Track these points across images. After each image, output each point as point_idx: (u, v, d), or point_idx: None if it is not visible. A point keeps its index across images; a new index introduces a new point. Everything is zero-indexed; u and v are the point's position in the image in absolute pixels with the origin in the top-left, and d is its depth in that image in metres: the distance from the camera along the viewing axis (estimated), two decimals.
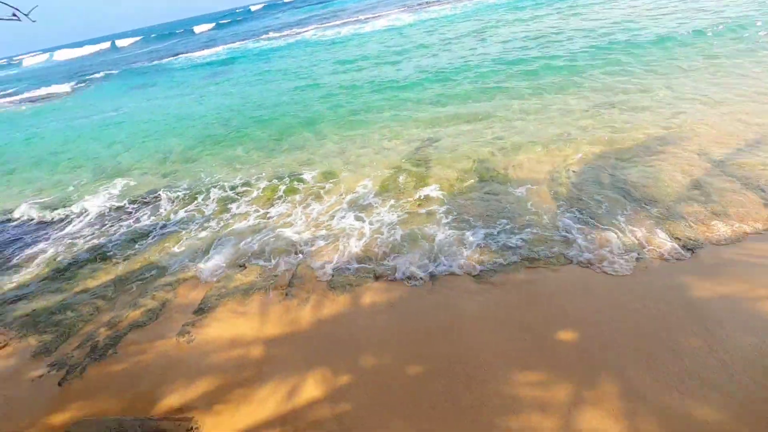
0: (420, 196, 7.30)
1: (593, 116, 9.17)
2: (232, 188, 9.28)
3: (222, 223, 7.80)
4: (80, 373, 4.73)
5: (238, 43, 42.04)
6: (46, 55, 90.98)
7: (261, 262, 6.26)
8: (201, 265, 6.45)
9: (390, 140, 10.31)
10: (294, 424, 3.60)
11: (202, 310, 5.43)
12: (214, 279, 6.06)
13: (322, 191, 8.35)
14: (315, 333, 4.70)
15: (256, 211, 8.06)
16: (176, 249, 7.19)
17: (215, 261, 6.50)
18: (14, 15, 7.44)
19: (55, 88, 34.48)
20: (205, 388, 4.21)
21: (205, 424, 3.78)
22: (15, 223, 9.90)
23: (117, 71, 38.92)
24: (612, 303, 4.34)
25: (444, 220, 6.38)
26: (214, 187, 9.51)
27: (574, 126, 8.85)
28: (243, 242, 6.94)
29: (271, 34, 42.12)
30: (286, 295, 5.42)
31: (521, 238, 5.62)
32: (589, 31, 17.01)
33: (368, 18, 38.11)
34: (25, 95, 34.53)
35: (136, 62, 44.81)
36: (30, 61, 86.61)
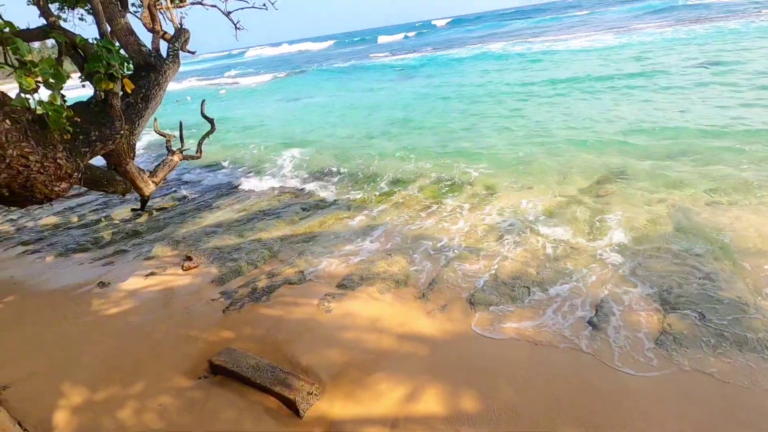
0: (593, 233, 6.33)
1: None
2: (398, 180, 9.63)
3: (380, 211, 8.13)
4: (239, 307, 5.43)
5: (425, 51, 44.22)
6: (256, 50, 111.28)
7: (407, 256, 6.26)
8: (350, 246, 6.79)
9: (566, 162, 9.32)
10: (405, 431, 3.40)
11: (344, 286, 5.68)
12: (360, 260, 6.30)
13: (483, 200, 8.00)
14: (444, 344, 4.43)
15: (414, 205, 8.18)
16: (335, 225, 7.76)
17: (364, 245, 6.78)
18: (264, 5, 9.01)
19: (264, 77, 41.75)
20: (330, 359, 4.34)
21: (324, 392, 3.87)
22: (224, 171, 12.20)
23: (315, 67, 45.06)
24: None
25: (624, 275, 5.33)
26: (383, 174, 10.04)
27: None
28: (395, 233, 7.08)
29: (457, 49, 42.97)
30: (423, 296, 5.28)
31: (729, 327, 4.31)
32: None
33: (566, 37, 35.71)
34: (256, 78, 42.72)
35: (331, 61, 51.09)
36: (249, 53, 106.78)
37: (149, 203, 9.48)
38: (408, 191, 8.97)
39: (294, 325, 4.98)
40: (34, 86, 2.01)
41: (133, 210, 9.59)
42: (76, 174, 2.77)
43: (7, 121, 1.88)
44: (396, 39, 72.74)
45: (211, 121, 7.73)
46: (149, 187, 5.55)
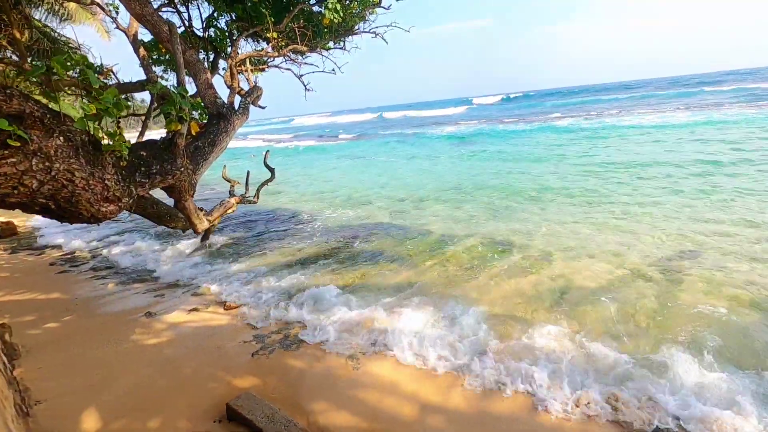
0: (661, 319, 5.58)
1: None
2: (447, 240, 9.40)
3: (425, 268, 7.90)
4: (269, 353, 5.32)
5: (483, 123, 45.18)
6: (302, 119, 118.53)
7: (446, 319, 5.89)
8: (389, 300, 6.56)
9: (629, 235, 8.58)
10: None
11: (377, 343, 5.40)
12: (398, 317, 6.02)
13: (534, 267, 7.49)
14: (476, 424, 3.94)
15: (461, 265, 7.87)
16: (377, 278, 7.61)
17: (404, 301, 6.51)
18: (333, 71, 9.77)
19: (323, 141, 44.44)
20: (350, 423, 4.02)
21: None
22: (281, 218, 12.72)
23: (378, 134, 47.44)
24: None
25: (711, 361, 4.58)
26: (433, 234, 9.90)
27: None
28: (438, 293, 6.77)
29: (517, 121, 43.43)
30: (462, 368, 4.83)
31: None
32: None
33: (637, 112, 34.81)
34: (314, 141, 45.76)
35: (389, 129, 53.68)
36: (299, 121, 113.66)
37: (209, 240, 10.02)
38: (456, 251, 8.68)
39: (318, 379, 4.75)
40: (94, 111, 2.24)
41: (196, 245, 10.18)
42: (126, 199, 2.96)
43: (61, 137, 2.08)
44: (458, 111, 75.37)
45: (271, 170, 8.23)
46: (203, 224, 5.86)
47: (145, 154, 3.82)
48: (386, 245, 9.46)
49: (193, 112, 4.42)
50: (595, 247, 8.19)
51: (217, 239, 10.63)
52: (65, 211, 2.31)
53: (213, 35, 8.48)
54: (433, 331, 5.56)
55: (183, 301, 7.09)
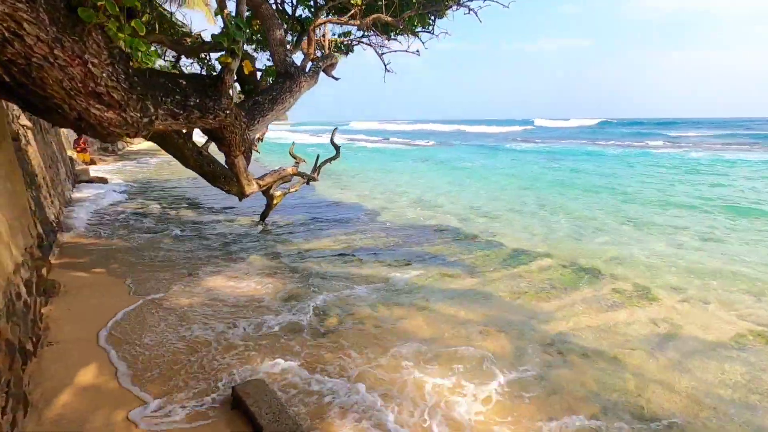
0: None
1: None
2: (521, 254, 8.20)
3: (492, 279, 6.83)
4: (298, 333, 4.66)
5: (573, 141, 41.92)
6: (359, 123, 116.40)
7: (511, 337, 4.82)
8: (445, 306, 5.61)
9: (759, 284, 6.72)
10: None
11: (428, 355, 4.49)
12: (454, 325, 5.07)
13: (629, 301, 6.08)
14: None
15: (535, 283, 6.68)
16: (437, 282, 6.70)
17: (465, 309, 5.53)
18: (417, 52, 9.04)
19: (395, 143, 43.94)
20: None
21: None
22: (344, 208, 12.25)
23: (452, 142, 45.95)
24: None
25: None
26: (505, 246, 8.75)
27: None
28: (504, 307, 5.69)
29: (606, 143, 39.69)
30: (542, 400, 3.77)
31: None
32: None
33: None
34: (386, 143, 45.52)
35: (470, 141, 51.84)
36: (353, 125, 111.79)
37: (268, 219, 9.78)
38: (528, 269, 7.45)
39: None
40: None
41: (253, 221, 10.03)
42: (136, 115, 2.44)
43: None
44: (558, 124, 70.75)
45: (337, 148, 7.69)
46: (251, 187, 5.41)
47: (184, 83, 3.34)
48: (450, 250, 8.47)
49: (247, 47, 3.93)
50: (711, 293, 6.49)
51: (276, 220, 10.39)
52: (31, 93, 1.80)
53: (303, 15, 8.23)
54: (494, 344, 4.52)
55: (228, 268, 6.76)
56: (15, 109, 6.65)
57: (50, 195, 7.89)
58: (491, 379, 4.02)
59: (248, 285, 6.14)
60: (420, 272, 7.05)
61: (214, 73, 3.58)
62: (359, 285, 6.34)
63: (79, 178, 13.79)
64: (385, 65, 8.75)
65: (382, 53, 8.57)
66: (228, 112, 3.84)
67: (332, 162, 7.54)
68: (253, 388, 3.55)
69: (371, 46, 8.62)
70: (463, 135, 66.93)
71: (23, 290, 3.84)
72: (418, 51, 8.64)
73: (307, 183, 9.19)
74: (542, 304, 5.98)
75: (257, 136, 9.24)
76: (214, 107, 3.63)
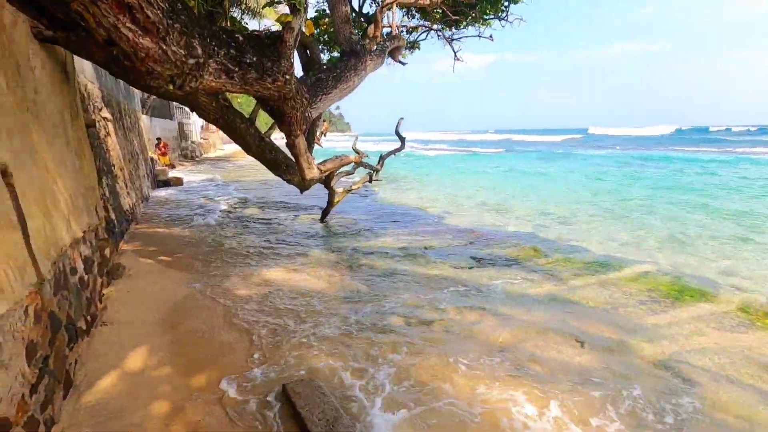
0: None
1: None
2: (610, 261, 7.13)
3: (575, 286, 5.90)
4: (356, 331, 4.16)
5: (669, 148, 38.12)
6: (416, 134, 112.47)
7: (601, 358, 3.94)
8: (518, 312, 4.82)
9: None
10: None
11: (498, 372, 3.77)
12: (528, 332, 4.28)
13: (752, 324, 4.88)
14: None
15: (630, 294, 5.65)
16: (508, 286, 5.91)
17: (540, 318, 4.71)
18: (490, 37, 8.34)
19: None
20: None
21: None
22: (407, 208, 11.71)
23: (516, 149, 43.63)
24: None
25: None
26: (590, 251, 7.71)
27: None
28: (591, 318, 4.78)
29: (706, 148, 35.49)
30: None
31: None
32: None
33: None
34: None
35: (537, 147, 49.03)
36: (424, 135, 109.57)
37: (328, 217, 9.52)
38: (621, 276, 6.37)
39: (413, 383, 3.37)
40: None
41: (315, 219, 9.83)
42: (177, 50, 2.08)
43: None
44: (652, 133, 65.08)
45: (402, 139, 7.20)
46: (312, 171, 5.05)
47: (241, 39, 3.00)
48: (524, 253, 7.57)
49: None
50: None
51: (337, 219, 10.10)
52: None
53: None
54: (578, 358, 3.68)
55: (290, 261, 6.49)
56: (97, 100, 6.97)
57: (127, 187, 8.21)
58: (599, 409, 3.19)
59: (307, 280, 5.79)
60: (491, 274, 6.29)
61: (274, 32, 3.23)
62: (424, 285, 5.73)
63: (158, 178, 14.65)
64: (455, 53, 8.17)
65: (452, 39, 8.00)
66: (288, 77, 3.47)
67: (396, 154, 7.06)
68: (305, 387, 3.07)
69: (439, 33, 8.09)
70: (526, 144, 64.07)
71: (80, 266, 3.72)
72: (491, 36, 7.96)
73: (370, 180, 8.81)
74: (645, 318, 4.96)
75: (321, 130, 9.05)
76: (273, 69, 3.27)
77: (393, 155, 7.04)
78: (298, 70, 6.21)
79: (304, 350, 3.79)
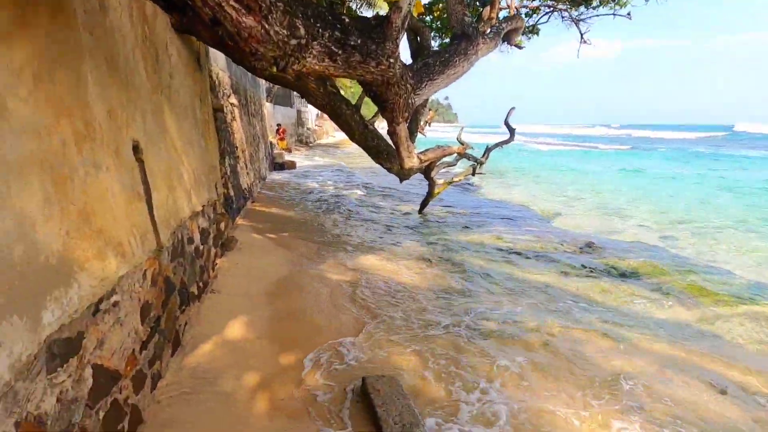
0: None
1: None
2: (754, 287, 5.79)
3: (718, 315, 4.88)
4: (454, 335, 3.94)
5: None
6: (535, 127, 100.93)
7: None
8: (641, 336, 4.08)
9: None
10: None
11: (619, 406, 3.22)
12: (659, 370, 3.59)
13: None
14: None
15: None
16: (628, 303, 5.12)
17: (667, 351, 3.92)
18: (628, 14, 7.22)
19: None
20: None
21: None
22: (511, 206, 10.98)
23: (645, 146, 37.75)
24: None
25: None
26: (724, 273, 6.37)
27: None
28: (738, 352, 3.86)
29: None
30: None
31: None
32: None
33: None
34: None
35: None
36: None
37: (427, 209, 9.36)
38: None
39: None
40: None
41: (414, 209, 9.76)
42: (280, 31, 2.06)
43: None
44: None
45: (512, 130, 6.65)
46: (412, 160, 4.89)
47: (347, 20, 2.92)
48: (648, 269, 6.48)
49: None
50: None
51: (435, 212, 9.86)
52: None
53: None
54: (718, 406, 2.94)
55: (382, 250, 6.50)
56: (226, 87, 7.71)
57: (246, 167, 9.03)
58: None
59: (400, 271, 5.70)
60: (605, 287, 5.51)
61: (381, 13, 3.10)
62: (524, 291, 5.24)
63: (275, 161, 15.97)
64: (582, 35, 7.25)
65: (579, 20, 7.10)
66: (392, 60, 3.32)
67: (504, 147, 6.55)
68: (385, 385, 2.96)
69: (565, 14, 7.23)
70: (656, 141, 55.82)
71: (197, 237, 4.11)
72: (629, 14, 6.88)
73: (473, 173, 8.38)
74: None
75: (425, 119, 8.84)
76: (377, 51, 3.14)
77: (500, 147, 6.54)
78: (407, 58, 6.07)
79: (391, 346, 3.69)
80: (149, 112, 3.08)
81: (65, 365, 1.76)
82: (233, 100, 8.11)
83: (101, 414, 1.99)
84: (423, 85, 4.39)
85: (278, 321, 3.96)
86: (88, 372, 1.93)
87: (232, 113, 7.88)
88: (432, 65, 4.50)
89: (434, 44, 8.87)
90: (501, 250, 6.90)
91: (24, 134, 1.65)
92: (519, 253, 6.68)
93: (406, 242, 7.06)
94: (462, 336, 3.96)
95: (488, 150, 6.43)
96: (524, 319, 4.38)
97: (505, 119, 6.50)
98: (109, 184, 2.30)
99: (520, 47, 6.11)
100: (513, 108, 6.88)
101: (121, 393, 2.20)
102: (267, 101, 18.68)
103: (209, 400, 2.71)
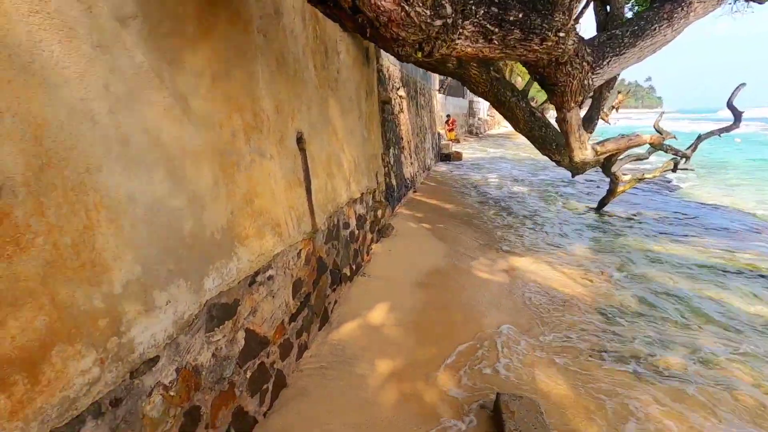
0: None
1: None
2: None
3: None
4: (613, 361, 3.29)
5: None
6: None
7: None
8: None
9: None
10: None
11: None
12: None
13: None
14: None
15: None
16: None
17: None
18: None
19: None
20: None
21: None
22: (722, 212, 8.51)
23: None
24: None
25: None
26: None
27: None
28: None
29: None
30: None
31: None
32: None
33: None
34: None
35: None
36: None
37: (607, 207, 8.09)
38: None
39: None
40: None
41: (589, 207, 8.52)
42: (422, 10, 1.90)
43: None
44: None
45: (737, 114, 5.06)
46: (584, 151, 4.16)
47: None
48: None
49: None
50: None
51: (617, 212, 8.36)
52: None
53: None
54: None
55: (542, 252, 5.86)
56: (396, 81, 8.04)
57: (411, 157, 9.32)
58: None
59: (561, 278, 5.03)
60: None
61: None
62: (737, 327, 3.97)
63: (441, 152, 16.12)
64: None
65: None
66: (562, 35, 2.82)
67: (723, 135, 5.00)
68: (522, 408, 2.61)
69: None
70: None
71: (353, 222, 4.39)
72: None
73: (674, 169, 6.71)
74: None
75: (613, 104, 7.52)
76: (542, 26, 2.71)
77: (718, 135, 5.03)
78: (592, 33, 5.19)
79: (539, 364, 3.26)
80: (315, 104, 3.37)
81: (221, 326, 2.04)
82: (402, 92, 8.41)
83: (248, 373, 2.27)
84: (605, 63, 3.64)
85: (421, 312, 3.93)
86: (241, 335, 2.21)
87: (400, 105, 8.19)
88: (620, 37, 3.69)
89: (629, 14, 7.43)
90: (706, 266, 5.40)
91: (202, 127, 1.94)
92: (729, 275, 5.11)
93: (573, 245, 6.19)
94: (636, 373, 3.22)
95: (699, 140, 5.02)
96: (731, 367, 3.30)
97: (729, 100, 4.94)
98: (271, 171, 2.58)
99: (760, 2, 4.49)
100: (742, 84, 5.17)
101: (268, 357, 2.48)
102: (439, 92, 18.94)
103: (342, 377, 2.85)
